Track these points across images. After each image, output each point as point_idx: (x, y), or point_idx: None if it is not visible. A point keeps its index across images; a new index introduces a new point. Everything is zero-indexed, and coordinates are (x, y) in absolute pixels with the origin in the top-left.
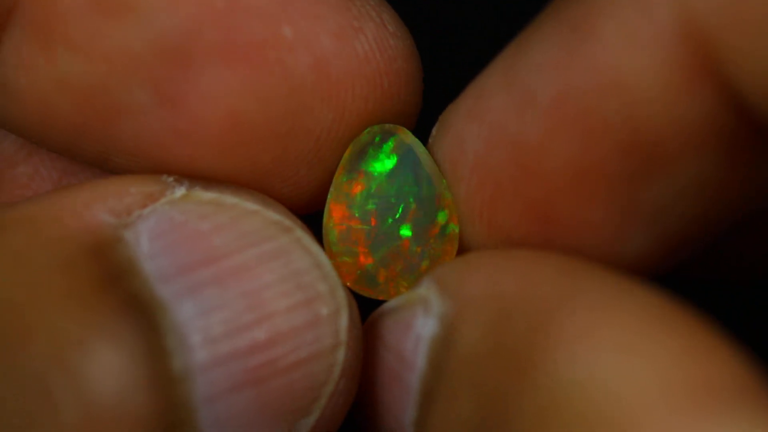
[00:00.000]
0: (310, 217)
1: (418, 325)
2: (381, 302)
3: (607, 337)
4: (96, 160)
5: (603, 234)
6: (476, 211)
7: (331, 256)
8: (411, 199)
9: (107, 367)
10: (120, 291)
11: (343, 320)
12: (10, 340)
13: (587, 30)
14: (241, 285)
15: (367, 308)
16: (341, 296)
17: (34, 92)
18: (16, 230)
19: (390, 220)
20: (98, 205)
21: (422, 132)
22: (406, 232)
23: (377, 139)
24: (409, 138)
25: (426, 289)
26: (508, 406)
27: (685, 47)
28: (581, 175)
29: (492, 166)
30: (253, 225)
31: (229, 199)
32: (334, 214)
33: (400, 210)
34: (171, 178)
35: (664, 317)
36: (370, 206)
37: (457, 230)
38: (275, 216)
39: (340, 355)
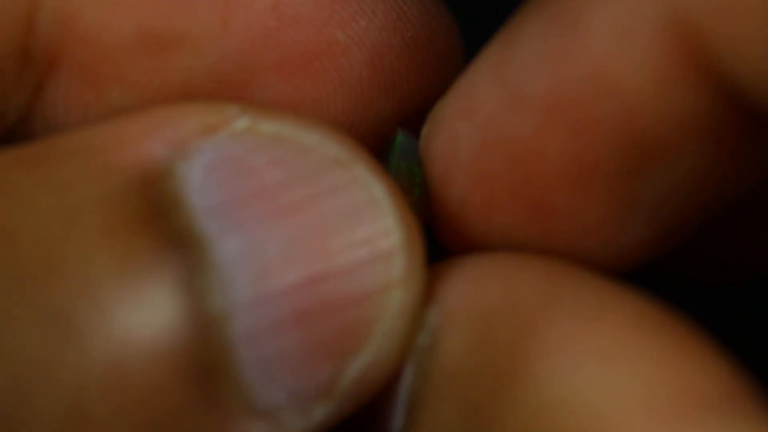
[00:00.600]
0: None
1: None
2: None
3: (588, 348)
4: None
5: (601, 229)
6: (473, 213)
7: None
8: None
9: (140, 304)
10: (163, 226)
11: (400, 258)
12: (37, 271)
13: (576, 26)
14: (292, 222)
15: None
16: (398, 234)
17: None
18: (65, 160)
19: None
20: (153, 135)
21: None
22: None
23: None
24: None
25: None
26: (491, 421)
27: (673, 40)
28: (576, 172)
29: (486, 167)
30: (309, 161)
31: (291, 132)
32: None
33: None
34: (235, 107)
35: (647, 325)
36: None
37: None
38: (333, 151)
39: (396, 293)
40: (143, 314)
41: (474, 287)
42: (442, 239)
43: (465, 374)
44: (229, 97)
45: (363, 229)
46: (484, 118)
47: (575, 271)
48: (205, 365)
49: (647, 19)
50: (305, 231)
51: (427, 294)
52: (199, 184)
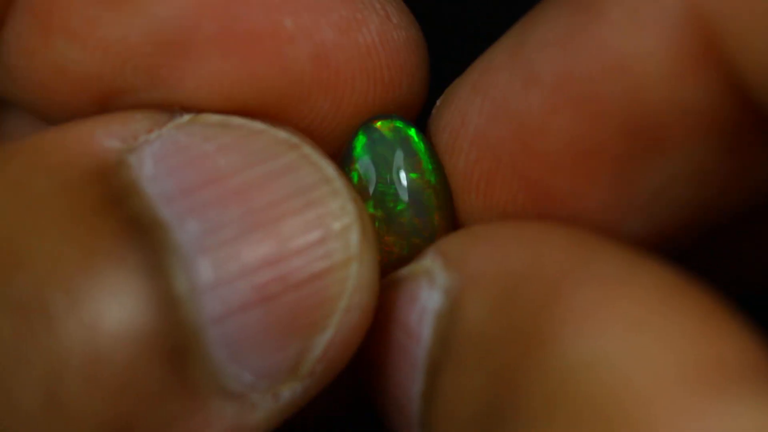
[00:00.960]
0: None
1: (422, 297)
2: None
3: (616, 313)
4: None
5: (599, 215)
6: (473, 185)
7: None
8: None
9: (108, 288)
10: (122, 212)
11: (354, 234)
12: (4, 262)
13: (594, 10)
14: (246, 203)
15: None
16: (351, 210)
17: (32, 75)
18: (18, 158)
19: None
20: (103, 131)
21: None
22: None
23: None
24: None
25: (430, 261)
26: (517, 387)
27: (690, 32)
28: (580, 155)
29: (492, 141)
30: (259, 143)
31: (236, 120)
32: None
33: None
34: (177, 108)
35: (677, 293)
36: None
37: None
38: (282, 134)
39: (353, 269)
40: (111, 299)
41: (497, 252)
42: None
43: (488, 339)
44: (166, 63)
45: (318, 207)
46: (496, 94)
47: (599, 238)
48: (175, 348)
49: (664, 10)
50: (260, 211)
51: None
52: (152, 173)
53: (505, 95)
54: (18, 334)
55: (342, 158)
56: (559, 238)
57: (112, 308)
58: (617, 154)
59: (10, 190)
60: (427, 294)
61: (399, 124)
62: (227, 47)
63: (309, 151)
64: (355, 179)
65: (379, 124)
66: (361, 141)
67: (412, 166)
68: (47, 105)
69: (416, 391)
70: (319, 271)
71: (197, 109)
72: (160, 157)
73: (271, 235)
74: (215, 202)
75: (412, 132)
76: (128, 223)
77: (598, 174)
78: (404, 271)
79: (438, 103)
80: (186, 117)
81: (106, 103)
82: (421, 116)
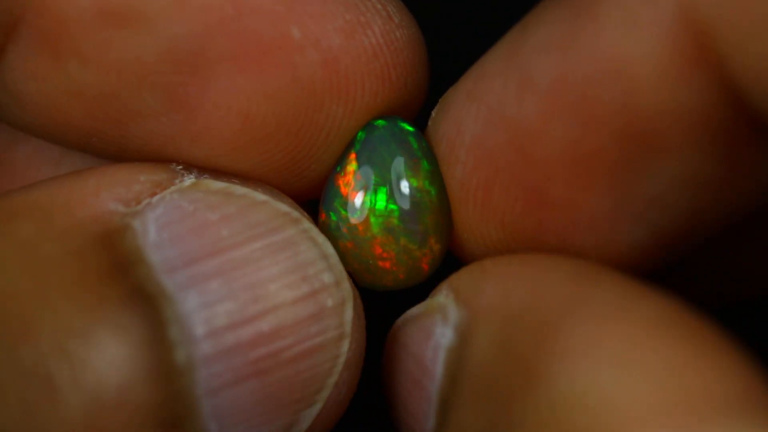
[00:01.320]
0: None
1: (437, 334)
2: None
3: (608, 350)
4: (109, 157)
5: (595, 221)
6: (471, 193)
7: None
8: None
9: (110, 358)
10: (126, 281)
11: (348, 312)
12: (12, 330)
13: (589, 15)
14: (246, 277)
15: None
16: (346, 288)
17: (43, 99)
18: (25, 219)
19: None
20: (107, 193)
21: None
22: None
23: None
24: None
25: (444, 297)
26: (511, 418)
27: (685, 37)
28: (577, 160)
29: (489, 148)
30: (261, 216)
31: (239, 189)
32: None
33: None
34: (180, 167)
35: (668, 326)
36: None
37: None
38: (284, 207)
39: (344, 346)
40: (114, 370)
41: (501, 288)
42: None
43: (491, 376)
44: (182, 82)
45: (314, 283)
46: (491, 101)
47: (601, 272)
48: (171, 416)
49: (660, 15)
50: (259, 286)
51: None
52: (155, 240)
53: (500, 102)
54: (23, 403)
55: (341, 155)
56: (561, 273)
57: (113, 379)
58: (614, 159)
59: (18, 254)
60: (441, 331)
61: (401, 124)
62: (239, 60)
63: (308, 226)
64: (352, 176)
65: (379, 123)
66: (360, 138)
67: (410, 169)
68: (59, 129)
69: (430, 427)
70: (312, 348)
71: (217, 135)
72: (163, 224)
73: (268, 310)
74: (216, 274)
75: (412, 134)
76: (132, 291)
77: (595, 180)
78: (421, 306)
79: (433, 113)
80: (188, 180)
81: (123, 129)
82: (418, 122)
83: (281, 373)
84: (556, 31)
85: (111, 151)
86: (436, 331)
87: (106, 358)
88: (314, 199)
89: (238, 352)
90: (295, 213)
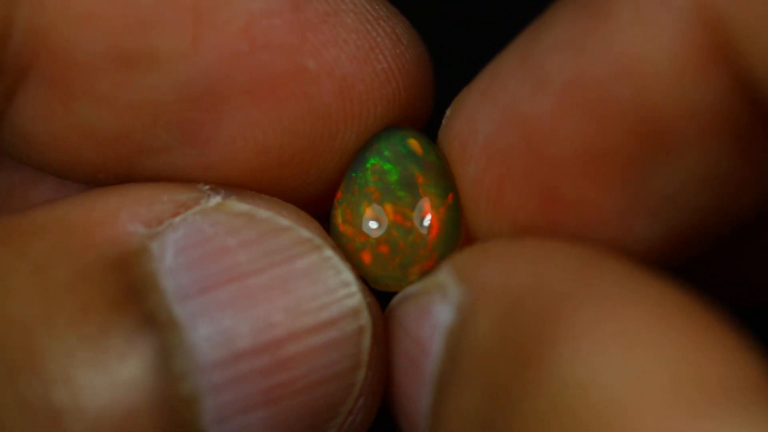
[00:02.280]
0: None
1: (435, 312)
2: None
3: (613, 333)
4: None
5: (609, 220)
6: (484, 191)
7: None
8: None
9: (116, 388)
10: (138, 308)
11: (366, 341)
12: (16, 359)
13: (603, 13)
14: (261, 305)
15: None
16: (365, 317)
17: (54, 140)
18: (40, 239)
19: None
20: (127, 213)
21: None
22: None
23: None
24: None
25: (445, 276)
26: (512, 402)
27: (700, 35)
28: (590, 159)
29: (502, 147)
30: (282, 242)
31: (263, 213)
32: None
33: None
34: (207, 187)
35: (674, 312)
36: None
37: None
38: (306, 234)
39: (360, 375)
40: (120, 400)
41: (504, 269)
42: None
43: (491, 356)
44: (198, 119)
45: (333, 310)
46: (505, 100)
47: (606, 257)
48: None
49: (675, 13)
50: (274, 314)
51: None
52: (171, 265)
53: (514, 100)
54: (28, 429)
55: (357, 161)
56: (565, 255)
57: (118, 409)
58: (628, 157)
59: (28, 278)
60: (440, 309)
61: (412, 138)
62: (256, 95)
63: (330, 253)
64: (369, 185)
65: (397, 136)
66: (380, 150)
67: (424, 183)
68: (67, 167)
69: (425, 406)
70: (326, 377)
71: (233, 168)
72: (181, 248)
73: (282, 339)
74: (230, 302)
75: (426, 146)
76: (143, 320)
77: (609, 178)
78: (420, 284)
79: (448, 112)
80: (213, 200)
81: (135, 161)
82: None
83: (293, 402)
84: (570, 30)
85: (118, 182)
86: (434, 309)
87: (112, 387)
88: (321, 212)
89: (249, 381)
90: (318, 239)
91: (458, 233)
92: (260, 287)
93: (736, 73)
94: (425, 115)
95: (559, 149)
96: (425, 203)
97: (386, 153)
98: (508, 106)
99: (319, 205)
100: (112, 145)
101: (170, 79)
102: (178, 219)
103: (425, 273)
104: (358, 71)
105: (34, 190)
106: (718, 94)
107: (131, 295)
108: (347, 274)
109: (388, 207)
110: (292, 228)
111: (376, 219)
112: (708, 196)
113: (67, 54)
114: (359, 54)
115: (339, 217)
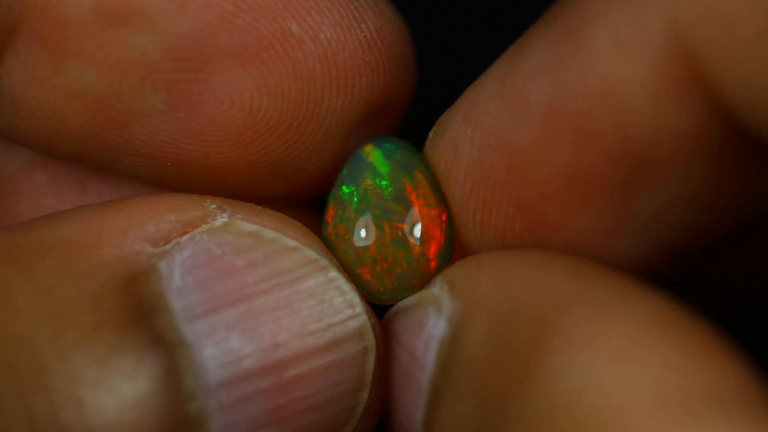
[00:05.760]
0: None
1: (429, 325)
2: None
3: (607, 344)
4: (106, 163)
5: (594, 240)
6: (470, 215)
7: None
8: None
9: (123, 407)
10: (146, 328)
11: (370, 362)
12: (25, 380)
13: (580, 39)
14: (268, 325)
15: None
16: (370, 338)
17: (43, 103)
18: (49, 258)
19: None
20: (136, 232)
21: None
22: None
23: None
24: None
25: (438, 289)
26: (506, 411)
27: (673, 59)
28: (572, 181)
29: (486, 171)
30: (288, 263)
31: (269, 233)
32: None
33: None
34: (213, 205)
35: (665, 324)
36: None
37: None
38: (312, 254)
39: (364, 396)
40: (127, 416)
41: (496, 281)
42: None
43: (485, 367)
44: (185, 79)
45: (337, 333)
46: (487, 124)
47: (598, 269)
48: None
49: (648, 38)
50: (280, 334)
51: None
52: (179, 285)
53: (495, 126)
54: None
55: (346, 176)
56: (558, 268)
57: (127, 428)
58: (608, 179)
59: (40, 296)
60: (434, 322)
61: (403, 150)
62: (242, 57)
63: (335, 274)
64: (361, 200)
65: (390, 145)
66: (378, 158)
67: (417, 195)
68: (56, 136)
69: (419, 419)
70: (331, 398)
71: (219, 131)
72: (189, 267)
73: (288, 360)
74: (237, 323)
75: (415, 158)
76: (152, 340)
77: (592, 201)
78: (414, 298)
79: (430, 135)
80: (220, 220)
81: (125, 129)
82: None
83: (298, 422)
84: (547, 56)
85: (107, 155)
86: (428, 322)
87: (120, 407)
88: (314, 197)
89: (255, 401)
90: (324, 260)
91: (452, 246)
92: (267, 308)
93: (711, 98)
94: (408, 95)
95: (541, 173)
96: (416, 215)
97: (378, 168)
98: (490, 131)
99: (310, 191)
100: (101, 108)
101: (158, 38)
102: (185, 238)
103: (422, 286)
104: (342, 38)
105: (27, 181)
106: (695, 119)
107: (140, 315)
108: (352, 295)
109: (381, 220)
110: (298, 248)
111: (369, 233)
112: (691, 215)
113: (56, 11)
114: (342, 21)
115: (332, 233)
